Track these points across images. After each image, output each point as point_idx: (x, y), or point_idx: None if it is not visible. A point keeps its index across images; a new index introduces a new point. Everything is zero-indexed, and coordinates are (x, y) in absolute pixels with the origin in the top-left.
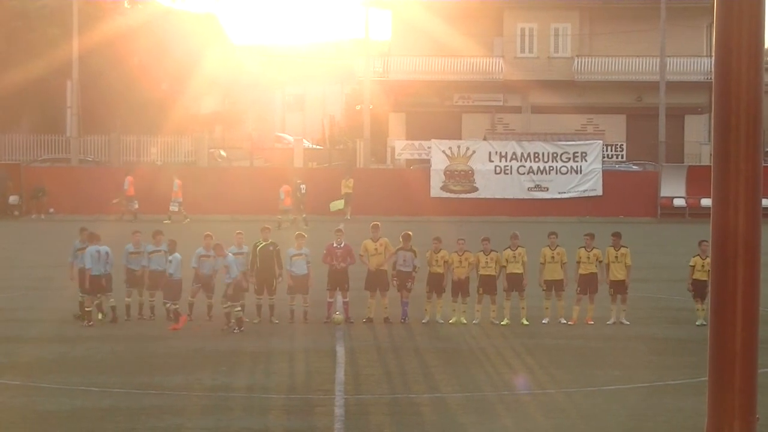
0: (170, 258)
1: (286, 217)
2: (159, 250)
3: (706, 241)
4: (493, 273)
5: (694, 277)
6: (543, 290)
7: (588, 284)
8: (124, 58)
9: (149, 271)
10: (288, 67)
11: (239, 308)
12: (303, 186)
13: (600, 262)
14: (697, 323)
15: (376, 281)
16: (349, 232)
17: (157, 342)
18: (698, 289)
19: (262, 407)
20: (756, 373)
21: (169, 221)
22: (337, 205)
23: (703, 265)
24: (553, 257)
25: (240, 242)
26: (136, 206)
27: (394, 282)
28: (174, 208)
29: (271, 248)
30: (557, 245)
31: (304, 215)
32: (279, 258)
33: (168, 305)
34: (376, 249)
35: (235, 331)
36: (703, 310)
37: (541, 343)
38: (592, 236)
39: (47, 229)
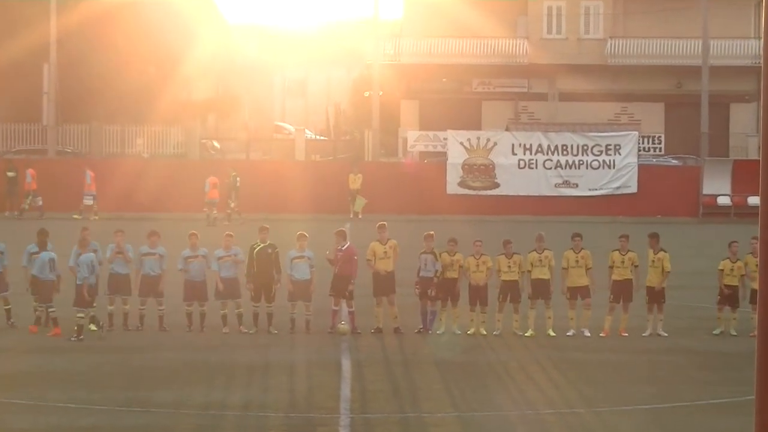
0: (37, 258)
1: (211, 212)
2: (153, 253)
3: (737, 242)
4: (516, 278)
5: (724, 282)
6: (567, 298)
7: (622, 291)
8: (107, 39)
9: (142, 276)
10: (289, 50)
11: (82, 315)
12: (238, 178)
13: (636, 267)
14: (714, 332)
15: (383, 287)
16: (354, 233)
17: (144, 354)
18: (726, 296)
19: (259, 427)
20: None
21: (79, 216)
22: (359, 204)
23: (732, 269)
24: (577, 261)
25: (228, 245)
26: (40, 202)
27: (417, 290)
28: (88, 201)
29: (269, 251)
30: (581, 248)
31: (236, 209)
32: (278, 261)
33: (39, 309)
34: (385, 252)
35: (71, 339)
36: (735, 319)
37: (569, 357)
38: (627, 238)
39: (22, 229)
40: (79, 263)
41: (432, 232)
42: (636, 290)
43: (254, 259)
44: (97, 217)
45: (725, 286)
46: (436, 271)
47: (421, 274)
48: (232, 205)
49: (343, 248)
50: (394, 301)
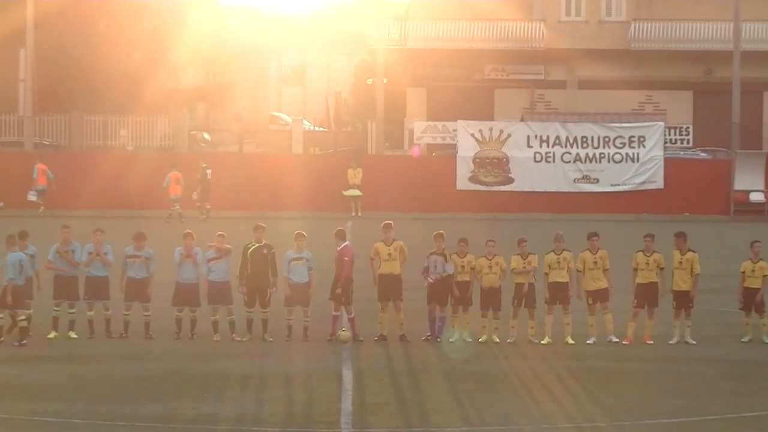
0: None
1: (173, 208)
2: (139, 256)
3: (759, 242)
4: (532, 281)
5: (744, 284)
6: (589, 304)
7: (647, 295)
8: (88, 22)
9: (127, 279)
10: (285, 33)
11: (17, 317)
12: (209, 171)
13: (661, 269)
14: (743, 339)
15: (389, 291)
16: (356, 232)
17: (128, 363)
18: (748, 299)
19: None
20: None
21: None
22: (351, 192)
23: (753, 270)
24: (595, 262)
25: (220, 247)
26: None
27: (424, 278)
28: (32, 197)
29: (264, 251)
30: (598, 248)
31: (208, 206)
32: (274, 263)
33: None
34: (389, 254)
35: (15, 344)
36: (766, 325)
37: (589, 366)
38: (652, 238)
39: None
40: (7, 263)
41: (442, 232)
42: (662, 294)
43: (248, 260)
44: (42, 209)
45: (746, 289)
46: (443, 271)
47: (431, 276)
48: (195, 197)
49: (338, 248)
50: (401, 307)
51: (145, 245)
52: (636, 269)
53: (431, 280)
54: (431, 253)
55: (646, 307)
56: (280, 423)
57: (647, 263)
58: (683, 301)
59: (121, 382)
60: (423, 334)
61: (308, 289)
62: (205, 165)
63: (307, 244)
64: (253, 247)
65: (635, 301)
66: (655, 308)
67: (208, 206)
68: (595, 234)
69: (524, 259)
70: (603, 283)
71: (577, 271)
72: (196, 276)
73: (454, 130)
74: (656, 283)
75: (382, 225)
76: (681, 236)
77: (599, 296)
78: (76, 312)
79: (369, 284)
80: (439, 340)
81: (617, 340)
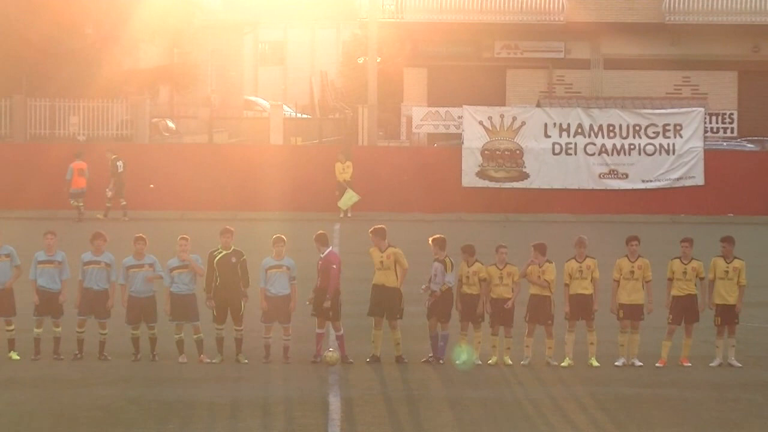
0: None
1: (78, 203)
2: (99, 262)
3: None
4: (549, 293)
5: None
6: (618, 319)
7: (684, 310)
8: None
9: (84, 291)
10: (262, 4)
11: None
12: (120, 163)
13: (701, 279)
14: None
15: (383, 305)
16: (347, 237)
17: (78, 389)
18: None
19: None
20: None
21: None
22: (348, 200)
23: None
24: (632, 272)
25: (183, 253)
26: None
27: (423, 291)
28: None
29: (233, 259)
30: (638, 255)
31: (115, 203)
32: (245, 272)
33: None
34: (382, 261)
35: None
36: None
37: (616, 393)
38: (690, 243)
39: None
40: None
41: (441, 236)
42: (702, 308)
43: (215, 269)
44: None
45: None
46: (444, 283)
47: (431, 287)
48: (109, 194)
49: (322, 255)
50: (397, 325)
51: (104, 248)
52: (671, 279)
53: (434, 290)
54: (435, 260)
55: (683, 324)
56: None
57: (685, 272)
58: (728, 316)
59: (71, 412)
60: (423, 354)
61: (289, 302)
62: (114, 156)
63: (288, 249)
64: (221, 255)
65: (670, 316)
66: (693, 325)
67: (124, 203)
68: (635, 238)
69: (540, 268)
70: (639, 298)
71: (614, 280)
72: (151, 287)
73: (460, 117)
74: (695, 295)
75: (372, 229)
76: (728, 241)
77: (632, 312)
78: (14, 329)
79: (359, 296)
80: (441, 361)
81: (641, 364)
